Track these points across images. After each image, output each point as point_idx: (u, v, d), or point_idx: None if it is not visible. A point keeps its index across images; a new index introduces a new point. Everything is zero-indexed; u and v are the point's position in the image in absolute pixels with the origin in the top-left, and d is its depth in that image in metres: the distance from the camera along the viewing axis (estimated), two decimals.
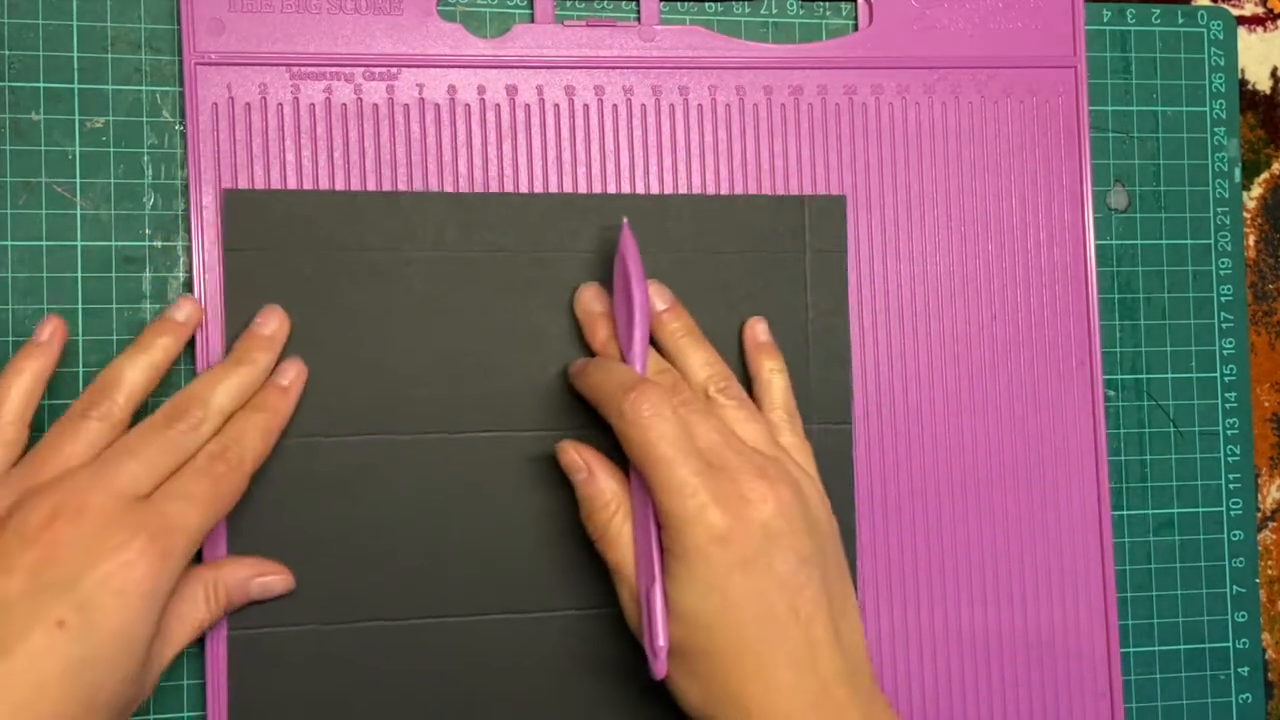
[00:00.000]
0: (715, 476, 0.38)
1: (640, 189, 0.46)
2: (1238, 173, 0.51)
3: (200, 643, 0.42)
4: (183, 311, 0.41)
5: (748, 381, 0.45)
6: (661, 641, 0.38)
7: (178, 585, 0.37)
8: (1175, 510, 0.50)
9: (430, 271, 0.44)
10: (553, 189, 0.45)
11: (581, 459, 0.41)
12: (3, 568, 0.34)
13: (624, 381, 0.39)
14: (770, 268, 0.46)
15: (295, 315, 0.42)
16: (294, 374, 0.41)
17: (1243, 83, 0.52)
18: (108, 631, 0.34)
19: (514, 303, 0.44)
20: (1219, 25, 0.51)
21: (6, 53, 0.42)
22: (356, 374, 0.43)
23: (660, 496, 0.38)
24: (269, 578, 0.41)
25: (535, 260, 0.44)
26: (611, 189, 0.45)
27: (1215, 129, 0.51)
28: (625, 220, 0.43)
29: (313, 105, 0.44)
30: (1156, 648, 0.49)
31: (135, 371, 0.39)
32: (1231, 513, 0.50)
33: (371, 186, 0.44)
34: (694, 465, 0.38)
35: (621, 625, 0.42)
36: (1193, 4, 0.51)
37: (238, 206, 0.42)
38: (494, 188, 0.45)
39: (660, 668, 0.38)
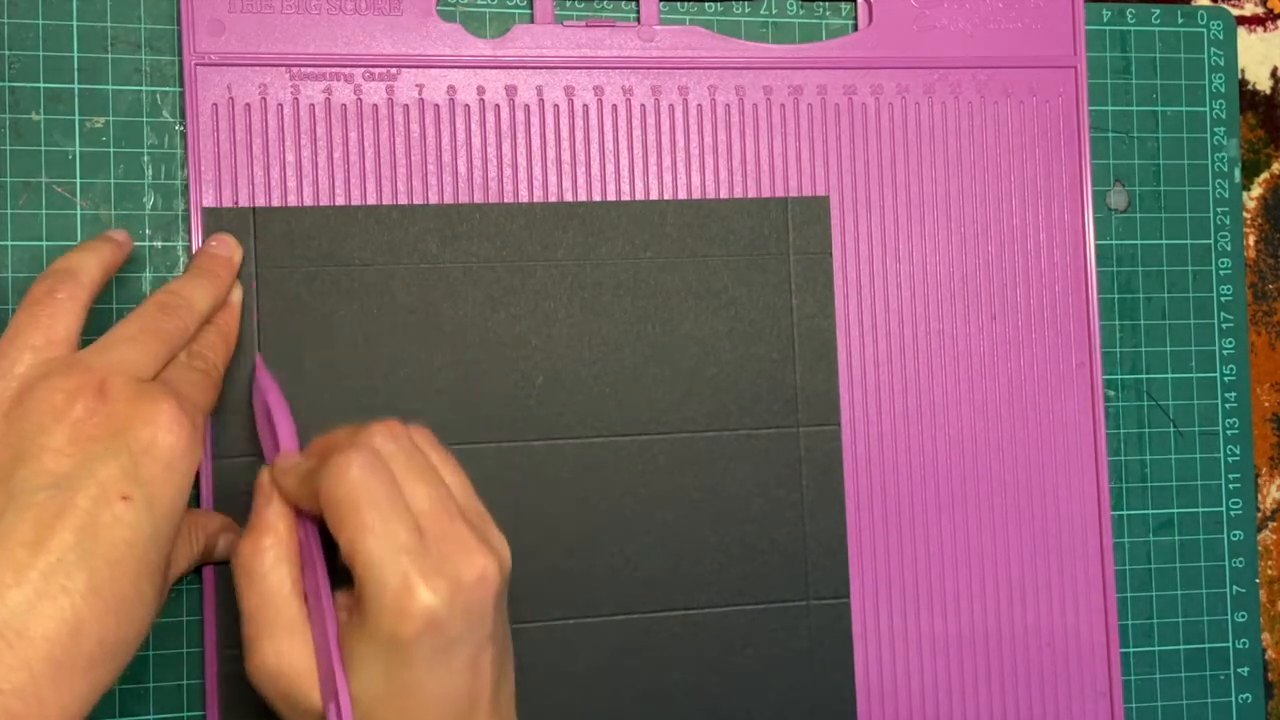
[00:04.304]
0: (427, 549, 0.34)
1: (639, 188, 0.46)
2: (1238, 173, 0.51)
3: (199, 646, 0.42)
4: (119, 235, 0.40)
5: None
6: None
7: None
8: (1175, 510, 0.50)
9: (413, 284, 0.44)
10: (551, 189, 0.45)
11: (267, 484, 0.38)
12: (44, 447, 0.32)
13: (334, 443, 0.36)
14: (755, 271, 0.46)
15: (281, 331, 0.43)
16: (239, 295, 0.42)
17: (1243, 83, 0.52)
18: (165, 505, 0.34)
19: (496, 313, 0.44)
20: (1219, 25, 0.51)
21: (6, 53, 0.42)
22: (344, 389, 0.43)
23: (361, 570, 0.34)
24: (234, 538, 0.41)
25: (516, 269, 0.44)
26: (610, 189, 0.46)
27: (1215, 129, 0.51)
28: (259, 356, 0.42)
29: (312, 106, 0.44)
30: (1156, 648, 0.49)
31: (88, 260, 0.37)
32: (1231, 513, 0.50)
33: (370, 186, 0.44)
34: (404, 538, 0.34)
35: (619, 635, 0.41)
36: (1193, 4, 0.51)
37: (217, 225, 0.42)
38: (493, 188, 0.45)
39: None
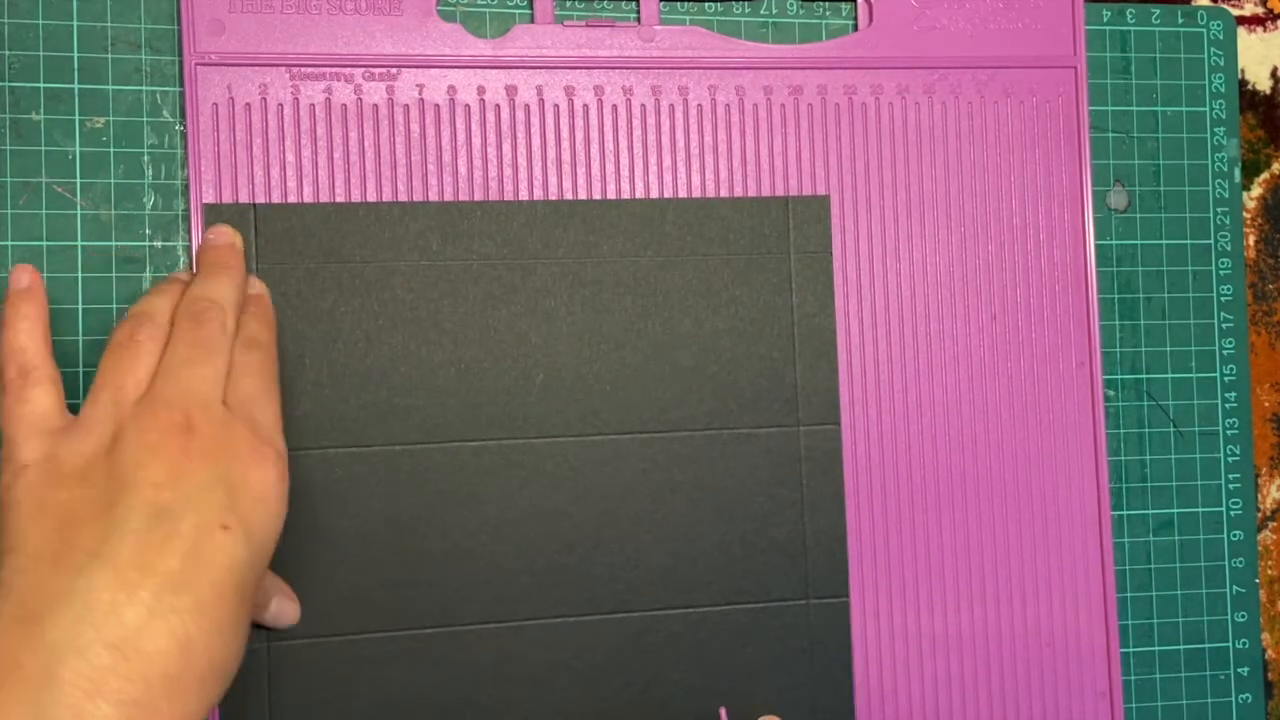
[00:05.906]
0: None
1: (639, 189, 0.46)
2: (1238, 173, 0.51)
3: None
4: (186, 276, 0.41)
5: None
6: None
7: None
8: (1175, 510, 0.50)
9: (414, 281, 0.44)
10: (552, 189, 0.45)
11: None
12: (144, 481, 0.34)
13: None
14: (755, 269, 0.46)
15: (282, 328, 0.42)
16: (262, 285, 0.42)
17: (1243, 83, 0.52)
18: (260, 536, 0.35)
19: (496, 310, 0.44)
20: (1219, 25, 0.51)
21: (6, 53, 0.42)
22: (345, 386, 0.43)
23: None
24: (286, 603, 0.42)
25: (517, 267, 0.44)
26: (610, 189, 0.46)
27: (1215, 129, 0.51)
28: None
29: (313, 106, 0.44)
30: (1156, 648, 0.49)
31: (163, 303, 0.39)
32: (1231, 513, 0.50)
33: (371, 186, 0.44)
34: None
35: (619, 633, 0.41)
36: (1193, 4, 0.51)
37: (218, 221, 0.42)
38: (493, 188, 0.45)
39: None
